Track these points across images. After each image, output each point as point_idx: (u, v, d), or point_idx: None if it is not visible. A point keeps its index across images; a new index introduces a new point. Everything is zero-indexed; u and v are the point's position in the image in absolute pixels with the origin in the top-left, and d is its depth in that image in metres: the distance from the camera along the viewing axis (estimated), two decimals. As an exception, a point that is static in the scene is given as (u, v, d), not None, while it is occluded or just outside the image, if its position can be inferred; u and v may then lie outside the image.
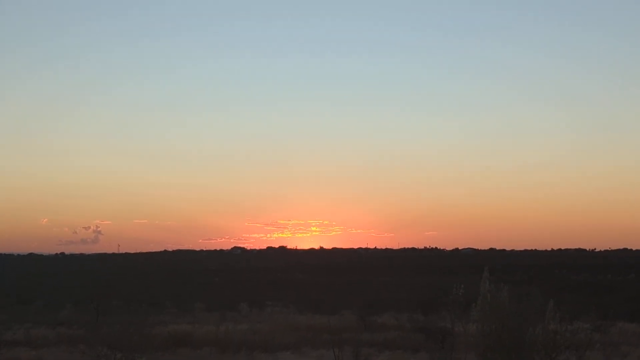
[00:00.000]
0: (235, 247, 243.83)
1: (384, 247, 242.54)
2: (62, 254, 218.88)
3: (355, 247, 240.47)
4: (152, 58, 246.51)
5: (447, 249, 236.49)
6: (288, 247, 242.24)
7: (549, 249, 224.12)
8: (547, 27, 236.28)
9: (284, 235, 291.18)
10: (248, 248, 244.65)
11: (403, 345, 28.15)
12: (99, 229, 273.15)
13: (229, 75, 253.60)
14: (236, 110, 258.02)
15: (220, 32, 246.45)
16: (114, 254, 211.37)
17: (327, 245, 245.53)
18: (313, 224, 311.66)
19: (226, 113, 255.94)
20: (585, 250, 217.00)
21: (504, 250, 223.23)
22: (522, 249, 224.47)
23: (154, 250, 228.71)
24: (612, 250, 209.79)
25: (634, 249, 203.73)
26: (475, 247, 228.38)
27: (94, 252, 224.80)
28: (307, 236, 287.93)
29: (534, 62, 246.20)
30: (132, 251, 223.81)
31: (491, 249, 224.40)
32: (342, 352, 14.92)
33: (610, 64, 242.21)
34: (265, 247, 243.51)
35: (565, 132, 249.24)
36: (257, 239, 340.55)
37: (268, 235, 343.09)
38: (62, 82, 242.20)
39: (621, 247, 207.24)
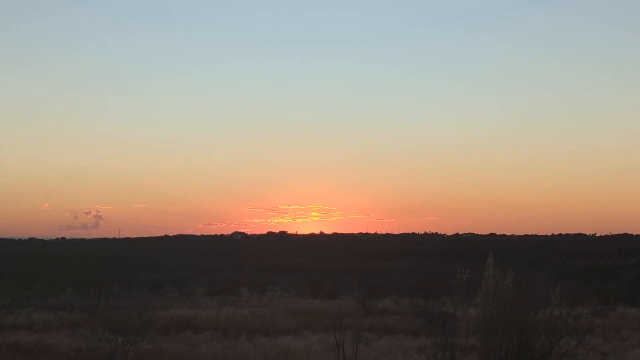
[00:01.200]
0: (235, 232, 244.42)
1: (384, 233, 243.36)
2: (63, 238, 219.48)
3: (356, 232, 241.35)
4: (152, 48, 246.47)
5: (448, 234, 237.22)
6: (289, 232, 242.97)
7: (549, 234, 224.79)
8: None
9: (284, 221, 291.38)
10: (249, 233, 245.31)
11: (403, 330, 28.23)
12: (99, 214, 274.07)
13: (234, 62, 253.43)
14: (236, 96, 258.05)
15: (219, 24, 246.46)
16: (114, 239, 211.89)
17: (328, 231, 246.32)
18: (313, 209, 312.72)
19: (228, 96, 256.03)
20: (585, 235, 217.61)
21: (504, 235, 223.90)
22: (522, 234, 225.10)
23: (154, 235, 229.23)
24: (612, 236, 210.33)
25: (634, 234, 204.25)
26: (476, 232, 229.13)
27: (94, 237, 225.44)
28: (308, 221, 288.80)
29: (535, 53, 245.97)
30: (133, 236, 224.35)
31: (491, 234, 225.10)
32: (343, 337, 14.93)
33: (601, 56, 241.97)
34: (265, 232, 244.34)
35: (564, 119, 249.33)
36: (258, 224, 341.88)
37: (269, 221, 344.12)
38: (64, 67, 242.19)
39: (621, 232, 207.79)
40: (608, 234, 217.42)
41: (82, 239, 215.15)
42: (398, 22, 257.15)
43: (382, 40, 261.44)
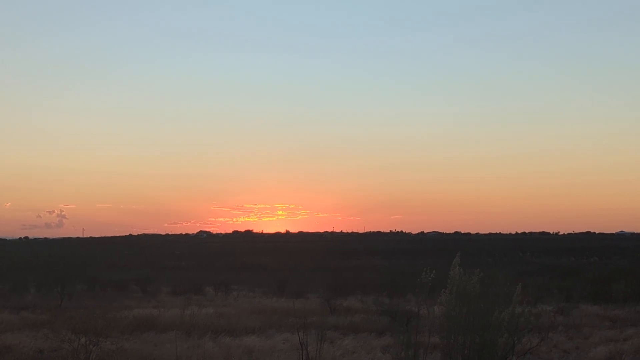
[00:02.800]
0: (201, 231, 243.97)
1: (350, 231, 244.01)
2: (26, 238, 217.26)
3: (322, 230, 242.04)
4: (123, 40, 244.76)
5: (413, 232, 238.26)
6: (254, 231, 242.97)
7: (513, 232, 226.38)
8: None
9: (250, 219, 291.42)
10: (214, 232, 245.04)
11: (368, 328, 28.22)
12: (63, 213, 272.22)
13: (201, 63, 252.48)
14: (204, 93, 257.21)
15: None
16: (78, 238, 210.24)
17: (294, 229, 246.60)
18: (279, 207, 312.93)
19: (194, 95, 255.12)
20: (548, 233, 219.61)
21: (468, 233, 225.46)
22: (486, 232, 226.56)
23: (119, 235, 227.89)
24: (575, 234, 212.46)
25: (596, 232, 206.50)
26: (441, 230, 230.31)
27: (58, 236, 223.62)
28: (274, 220, 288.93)
29: (497, 58, 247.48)
30: (97, 235, 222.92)
31: (456, 233, 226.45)
32: (307, 336, 14.90)
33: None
34: (231, 231, 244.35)
35: (528, 119, 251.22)
36: (223, 223, 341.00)
37: (234, 219, 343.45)
38: (28, 62, 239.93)
39: (584, 231, 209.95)
40: (571, 232, 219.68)
41: (46, 239, 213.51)
42: (361, 22, 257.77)
43: (346, 39, 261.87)
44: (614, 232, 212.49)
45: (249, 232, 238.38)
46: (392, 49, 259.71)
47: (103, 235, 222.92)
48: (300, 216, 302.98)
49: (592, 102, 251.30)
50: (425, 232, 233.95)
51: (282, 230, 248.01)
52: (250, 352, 21.47)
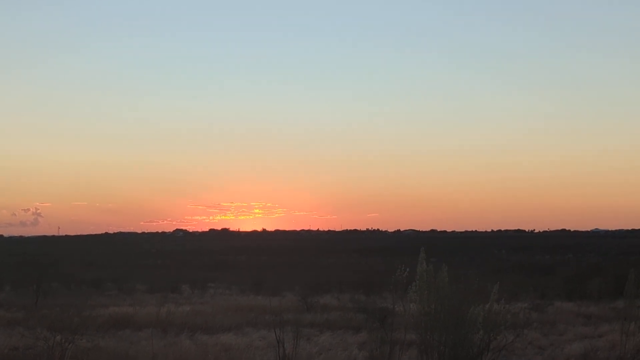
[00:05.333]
0: (177, 230, 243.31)
1: (326, 229, 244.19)
2: (1, 236, 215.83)
3: (298, 229, 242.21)
4: (86, 30, 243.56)
5: (389, 230, 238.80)
6: (231, 229, 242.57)
7: (489, 230, 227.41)
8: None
9: (226, 218, 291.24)
10: (190, 230, 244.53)
11: (344, 326, 28.31)
12: (38, 211, 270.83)
13: (169, 53, 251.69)
14: (178, 91, 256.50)
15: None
16: (54, 237, 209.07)
17: (270, 228, 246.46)
18: (256, 206, 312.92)
19: (167, 93, 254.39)
20: (524, 231, 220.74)
21: (444, 231, 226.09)
22: (462, 230, 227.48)
23: (94, 233, 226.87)
24: (550, 232, 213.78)
25: (571, 229, 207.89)
26: (417, 228, 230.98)
27: (33, 234, 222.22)
28: (250, 218, 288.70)
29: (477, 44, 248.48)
30: (73, 234, 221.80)
31: (432, 231, 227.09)
32: (284, 333, 14.94)
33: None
34: (207, 230, 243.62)
35: (505, 115, 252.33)
36: (200, 221, 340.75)
37: (211, 218, 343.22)
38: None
39: (559, 229, 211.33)
40: (546, 230, 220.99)
41: (21, 237, 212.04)
42: (334, 18, 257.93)
43: (321, 38, 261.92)
44: (588, 229, 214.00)
45: (225, 231, 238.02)
46: (364, 46, 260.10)
47: (79, 234, 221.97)
48: (276, 214, 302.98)
49: (568, 100, 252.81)
50: (401, 230, 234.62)
51: (259, 229, 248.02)
52: (227, 349, 21.48)
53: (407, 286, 13.91)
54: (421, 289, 13.66)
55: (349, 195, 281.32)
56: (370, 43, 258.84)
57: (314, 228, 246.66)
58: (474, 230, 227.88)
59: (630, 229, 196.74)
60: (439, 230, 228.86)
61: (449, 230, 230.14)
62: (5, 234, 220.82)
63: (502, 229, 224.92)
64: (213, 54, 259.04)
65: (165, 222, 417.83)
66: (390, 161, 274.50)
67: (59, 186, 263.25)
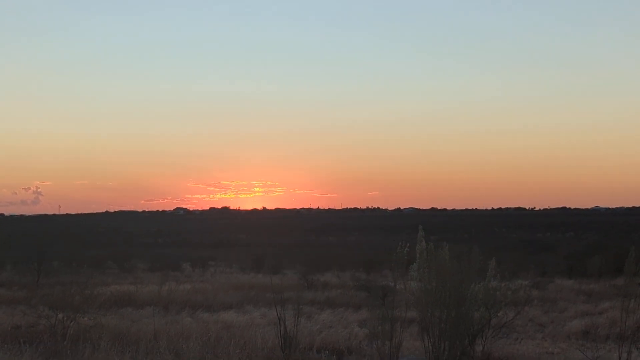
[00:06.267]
0: (177, 208, 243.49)
1: (326, 208, 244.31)
2: (2, 215, 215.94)
3: (298, 207, 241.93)
4: (86, 4, 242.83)
5: (389, 208, 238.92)
6: (231, 207, 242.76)
7: (489, 208, 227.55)
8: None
9: (227, 196, 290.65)
10: (191, 209, 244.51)
11: (345, 303, 28.38)
12: (39, 190, 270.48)
13: (167, 30, 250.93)
14: (179, 69, 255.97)
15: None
16: (55, 215, 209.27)
17: (270, 206, 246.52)
18: (256, 184, 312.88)
19: (168, 72, 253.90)
20: (524, 209, 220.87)
21: (445, 209, 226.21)
22: (462, 208, 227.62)
23: (95, 212, 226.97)
24: (550, 209, 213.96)
25: (572, 207, 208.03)
26: (417, 206, 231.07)
27: (34, 213, 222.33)
28: (250, 197, 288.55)
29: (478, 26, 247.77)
30: (74, 212, 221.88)
31: (432, 209, 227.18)
32: (285, 311, 14.98)
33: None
34: (208, 208, 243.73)
35: (502, 92, 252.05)
36: (200, 200, 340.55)
37: (211, 196, 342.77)
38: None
39: (559, 206, 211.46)
40: (547, 207, 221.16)
41: (22, 216, 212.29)
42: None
43: (324, 21, 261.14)
44: (589, 207, 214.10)
45: (225, 209, 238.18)
46: (363, 23, 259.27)
47: (79, 212, 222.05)
48: (277, 193, 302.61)
49: (566, 77, 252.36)
50: (401, 208, 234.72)
51: (259, 207, 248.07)
52: (228, 327, 21.51)
53: (408, 264, 13.92)
54: (421, 267, 13.66)
55: (349, 174, 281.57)
56: (370, 18, 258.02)
57: (314, 206, 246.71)
58: (474, 208, 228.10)
59: (630, 206, 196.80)
60: (439, 208, 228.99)
61: (449, 208, 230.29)
62: (6, 213, 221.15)
63: (503, 207, 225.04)
64: (212, 32, 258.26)
65: (165, 200, 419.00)
66: (391, 139, 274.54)
67: (59, 165, 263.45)
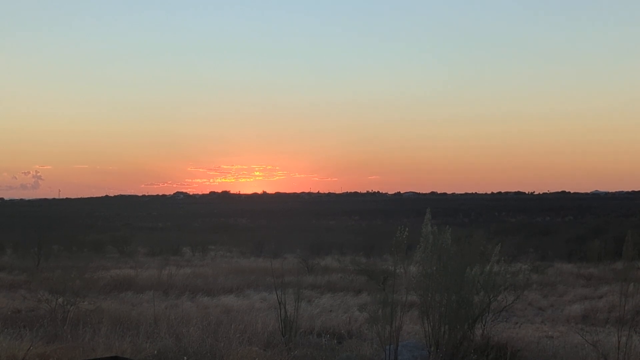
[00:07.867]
0: (177, 192, 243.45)
1: (327, 192, 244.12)
2: (2, 199, 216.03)
3: (299, 191, 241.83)
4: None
5: (390, 193, 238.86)
6: (231, 192, 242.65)
7: (489, 192, 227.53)
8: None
9: (227, 180, 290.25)
10: (191, 193, 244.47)
11: (345, 287, 28.47)
12: (39, 174, 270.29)
13: (167, 16, 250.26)
14: (178, 54, 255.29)
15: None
16: (54, 199, 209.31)
17: (271, 190, 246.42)
18: (256, 168, 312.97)
19: (168, 56, 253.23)
20: (524, 193, 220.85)
21: (445, 194, 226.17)
22: (462, 192, 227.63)
23: (95, 196, 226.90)
24: (550, 194, 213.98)
25: (571, 191, 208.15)
26: (417, 191, 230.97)
27: (34, 197, 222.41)
28: (251, 181, 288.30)
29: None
30: (73, 196, 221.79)
31: (432, 193, 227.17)
32: (285, 295, 15.00)
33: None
34: (208, 192, 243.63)
35: (502, 77, 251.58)
36: (200, 184, 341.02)
37: (211, 180, 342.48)
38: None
39: (559, 191, 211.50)
40: (546, 192, 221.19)
41: (21, 200, 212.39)
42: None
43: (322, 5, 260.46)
44: (588, 191, 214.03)
45: (226, 193, 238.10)
46: (368, 9, 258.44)
47: (79, 197, 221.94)
48: (277, 177, 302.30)
49: (568, 60, 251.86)
50: (401, 192, 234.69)
51: (259, 191, 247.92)
52: (228, 311, 21.58)
53: (408, 248, 13.92)
54: (426, 250, 13.68)
55: (349, 158, 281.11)
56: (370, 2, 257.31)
57: (315, 191, 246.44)
58: (474, 192, 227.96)
59: (630, 190, 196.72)
60: (439, 192, 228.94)
61: (449, 192, 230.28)
62: (6, 197, 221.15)
63: (503, 191, 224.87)
64: (211, 16, 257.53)
65: (165, 184, 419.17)
66: (391, 124, 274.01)
67: (59, 149, 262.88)
